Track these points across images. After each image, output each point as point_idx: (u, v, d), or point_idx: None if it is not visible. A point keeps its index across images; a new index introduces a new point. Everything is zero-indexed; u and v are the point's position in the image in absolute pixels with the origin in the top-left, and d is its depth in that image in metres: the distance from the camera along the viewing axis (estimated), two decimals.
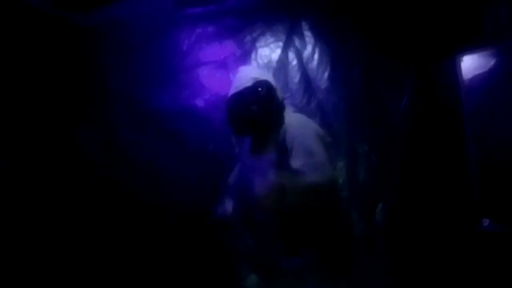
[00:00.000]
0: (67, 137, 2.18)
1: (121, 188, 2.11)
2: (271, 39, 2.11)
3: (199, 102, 2.15)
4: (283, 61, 2.07)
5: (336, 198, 1.52)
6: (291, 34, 2.08)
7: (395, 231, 1.75)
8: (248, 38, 2.14)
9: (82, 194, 2.12)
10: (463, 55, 1.80)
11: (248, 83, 1.54)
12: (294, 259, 1.41)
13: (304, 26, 2.07)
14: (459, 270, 1.68)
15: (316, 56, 2.02)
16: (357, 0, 1.96)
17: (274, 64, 2.08)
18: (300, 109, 1.94)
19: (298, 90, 2.00)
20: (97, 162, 2.15)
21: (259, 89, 1.53)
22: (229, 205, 1.67)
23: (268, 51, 2.11)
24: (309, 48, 2.04)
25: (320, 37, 2.03)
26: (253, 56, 2.13)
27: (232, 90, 1.59)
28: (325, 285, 1.38)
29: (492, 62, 1.77)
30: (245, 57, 2.14)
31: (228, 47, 2.16)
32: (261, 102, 1.52)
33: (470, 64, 1.80)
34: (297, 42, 2.07)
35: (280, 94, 1.61)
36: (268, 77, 1.65)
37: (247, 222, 1.64)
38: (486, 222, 1.72)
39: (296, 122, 1.49)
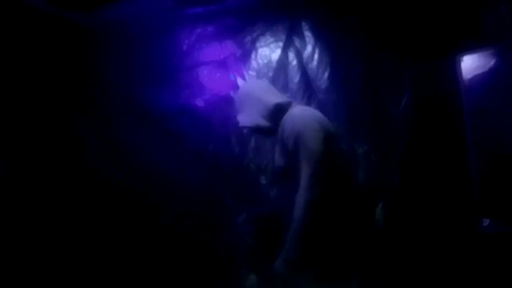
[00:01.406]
0: (67, 136, 2.18)
1: (121, 187, 2.11)
2: (271, 39, 2.12)
3: (199, 102, 2.15)
4: (283, 61, 2.07)
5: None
6: (291, 34, 2.08)
7: (395, 231, 1.75)
8: (248, 38, 2.15)
9: (82, 193, 2.12)
10: (463, 55, 1.80)
11: (253, 121, 1.64)
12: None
13: (304, 26, 2.07)
14: (459, 270, 1.68)
15: (316, 56, 2.02)
16: (358, 0, 1.96)
17: (274, 64, 2.08)
18: None
19: (298, 90, 2.01)
20: (96, 161, 2.16)
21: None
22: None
23: (268, 51, 2.12)
24: (309, 48, 2.04)
25: (320, 37, 2.04)
26: (253, 56, 2.13)
27: (242, 117, 1.68)
28: (325, 285, 1.38)
29: (492, 62, 1.77)
30: (245, 57, 2.14)
31: (228, 47, 2.17)
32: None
33: (470, 64, 1.80)
34: (297, 42, 2.07)
35: (276, 99, 1.64)
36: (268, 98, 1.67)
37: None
38: (486, 222, 1.72)
39: (293, 120, 1.49)
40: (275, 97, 1.65)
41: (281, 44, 2.09)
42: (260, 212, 1.87)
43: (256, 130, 1.68)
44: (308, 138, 1.39)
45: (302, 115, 1.51)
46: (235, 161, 2.06)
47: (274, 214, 1.64)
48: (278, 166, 1.55)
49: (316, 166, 1.35)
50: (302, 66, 2.04)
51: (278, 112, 1.59)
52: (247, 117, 1.66)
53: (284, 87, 2.03)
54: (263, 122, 1.61)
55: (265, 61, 2.11)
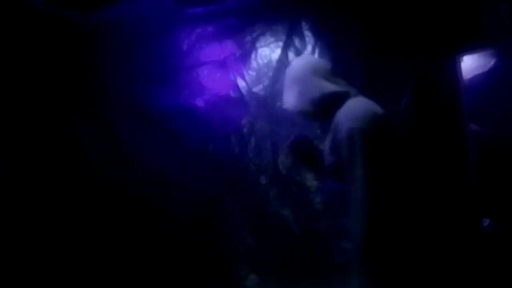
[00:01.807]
0: (67, 136, 2.18)
1: (121, 187, 2.12)
2: (271, 39, 2.12)
3: (199, 102, 2.15)
4: (283, 61, 2.07)
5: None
6: (291, 34, 2.08)
7: (395, 231, 1.75)
8: (248, 38, 2.15)
9: (82, 192, 2.12)
10: (463, 55, 1.80)
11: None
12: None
13: (304, 26, 2.07)
14: (459, 270, 1.68)
15: (316, 56, 2.02)
16: (358, 1, 1.96)
17: (274, 64, 2.08)
18: None
19: None
20: (96, 161, 2.16)
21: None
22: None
23: (268, 51, 2.12)
24: (309, 48, 2.04)
25: (320, 37, 2.04)
26: (253, 56, 2.13)
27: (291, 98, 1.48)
28: (324, 284, 1.38)
29: (492, 62, 1.77)
30: (245, 57, 2.14)
31: (228, 47, 2.17)
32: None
33: (470, 64, 1.80)
34: (297, 42, 2.07)
35: (332, 87, 1.41)
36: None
37: None
38: (486, 222, 1.72)
39: (349, 120, 1.30)
40: (331, 84, 1.42)
41: (281, 44, 2.09)
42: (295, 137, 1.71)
43: (301, 115, 1.47)
44: (365, 148, 1.23)
45: (359, 115, 1.30)
46: (235, 161, 2.06)
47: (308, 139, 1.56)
48: (327, 164, 1.40)
49: (373, 183, 1.22)
50: None
51: (331, 102, 1.39)
52: (294, 101, 1.45)
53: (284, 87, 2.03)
54: (311, 110, 1.41)
55: (265, 61, 2.11)
